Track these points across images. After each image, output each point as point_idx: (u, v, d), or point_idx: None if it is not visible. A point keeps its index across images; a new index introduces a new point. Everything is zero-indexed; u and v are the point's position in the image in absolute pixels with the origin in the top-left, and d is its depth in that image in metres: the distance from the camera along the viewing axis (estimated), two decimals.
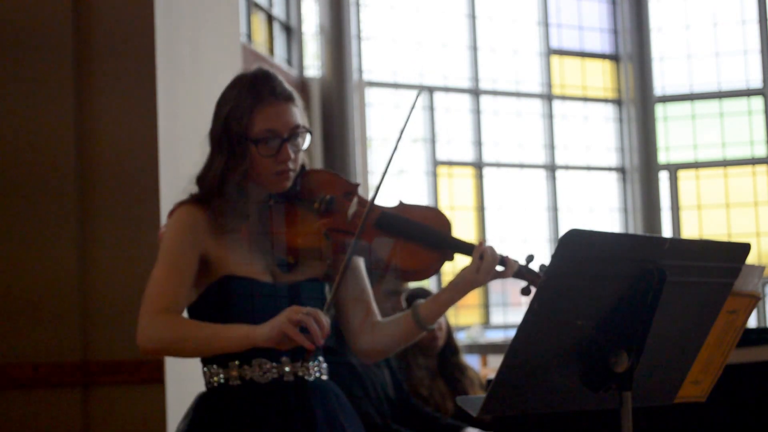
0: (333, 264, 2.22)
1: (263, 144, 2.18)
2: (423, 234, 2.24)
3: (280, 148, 2.19)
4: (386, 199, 2.29)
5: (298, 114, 2.24)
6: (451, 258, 2.25)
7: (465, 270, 2.23)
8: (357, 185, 2.31)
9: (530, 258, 2.24)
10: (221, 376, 2.19)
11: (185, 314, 2.22)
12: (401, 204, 2.31)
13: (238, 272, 2.18)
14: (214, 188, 2.19)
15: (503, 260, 2.22)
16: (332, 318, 2.12)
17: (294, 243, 2.20)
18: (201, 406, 2.23)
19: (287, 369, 2.19)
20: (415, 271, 2.24)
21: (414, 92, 8.61)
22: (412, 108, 2.25)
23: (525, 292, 2.21)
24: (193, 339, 2.09)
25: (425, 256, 2.23)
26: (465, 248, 2.25)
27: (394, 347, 2.35)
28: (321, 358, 2.27)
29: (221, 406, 2.19)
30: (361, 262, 2.35)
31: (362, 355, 2.38)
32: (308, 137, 2.25)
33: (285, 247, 2.20)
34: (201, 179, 2.24)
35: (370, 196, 2.25)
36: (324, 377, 2.27)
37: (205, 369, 2.23)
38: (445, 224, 2.27)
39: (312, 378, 2.23)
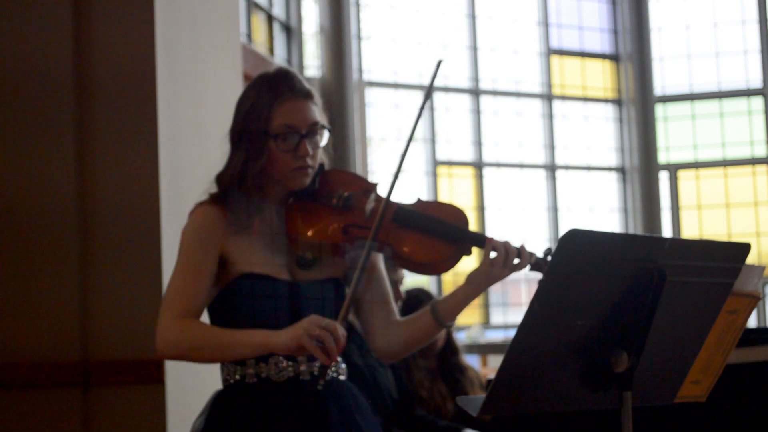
0: (351, 261, 2.23)
1: (282, 139, 2.20)
2: (440, 228, 2.26)
3: (298, 144, 2.20)
4: (400, 197, 2.31)
5: (317, 111, 2.26)
6: (468, 252, 2.27)
7: (480, 266, 2.24)
8: (375, 184, 2.33)
9: (548, 251, 2.24)
10: (238, 373, 2.20)
11: (205, 312, 2.24)
12: (419, 200, 2.34)
13: (257, 270, 2.19)
14: (233, 185, 2.22)
15: (518, 252, 2.22)
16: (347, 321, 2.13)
17: (312, 239, 2.22)
18: (217, 404, 2.24)
19: (303, 368, 2.20)
20: (432, 265, 2.26)
21: (414, 92, 8.60)
22: (433, 78, 2.26)
23: None
24: (210, 347, 2.11)
25: (442, 250, 2.24)
26: (482, 242, 2.26)
27: (414, 346, 2.37)
28: (339, 358, 2.28)
29: (237, 403, 2.20)
30: (381, 262, 2.36)
31: (382, 354, 2.39)
32: (326, 134, 2.27)
33: (303, 243, 2.21)
34: (220, 177, 2.26)
35: (378, 192, 2.28)
36: (342, 377, 2.28)
37: (223, 366, 2.24)
38: (462, 219, 2.30)
39: (328, 378, 2.23)
